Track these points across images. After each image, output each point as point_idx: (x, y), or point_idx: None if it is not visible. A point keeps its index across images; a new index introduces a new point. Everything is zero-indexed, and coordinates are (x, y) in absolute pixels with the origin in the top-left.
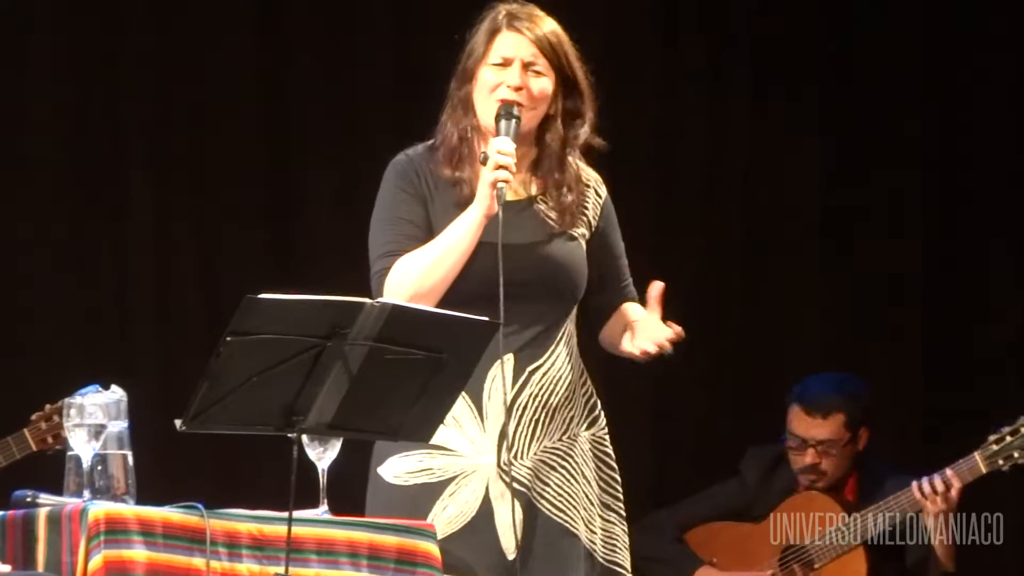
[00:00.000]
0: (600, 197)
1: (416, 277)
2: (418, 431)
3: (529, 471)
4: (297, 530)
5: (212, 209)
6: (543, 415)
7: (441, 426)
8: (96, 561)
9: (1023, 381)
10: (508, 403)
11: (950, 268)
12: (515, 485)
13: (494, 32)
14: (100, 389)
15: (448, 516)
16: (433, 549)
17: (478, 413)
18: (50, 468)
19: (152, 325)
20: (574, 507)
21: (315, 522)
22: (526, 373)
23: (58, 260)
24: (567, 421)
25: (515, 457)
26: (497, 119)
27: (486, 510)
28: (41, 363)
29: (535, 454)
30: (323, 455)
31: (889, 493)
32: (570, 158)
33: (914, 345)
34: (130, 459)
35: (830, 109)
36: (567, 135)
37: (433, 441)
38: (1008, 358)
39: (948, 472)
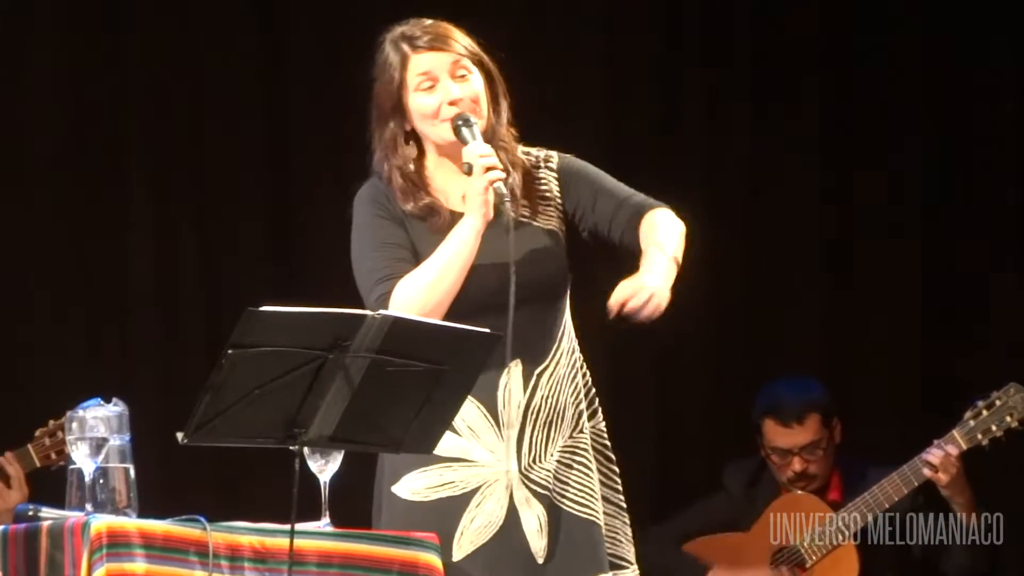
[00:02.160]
0: (553, 171)
1: (421, 296)
2: (420, 443)
3: (549, 473)
4: (299, 543)
5: (214, 221)
6: (555, 416)
7: (458, 438)
8: (98, 574)
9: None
10: (523, 409)
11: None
12: (537, 489)
13: (403, 61)
14: (102, 402)
15: (477, 527)
16: (435, 561)
17: (494, 422)
18: (52, 482)
19: (154, 338)
20: (595, 499)
21: (317, 535)
22: (534, 377)
23: (59, 273)
24: (576, 416)
25: (534, 461)
26: (457, 133)
27: (512, 517)
28: (43, 376)
29: (552, 455)
30: (325, 468)
31: (872, 484)
32: (504, 142)
33: (914, 340)
34: (132, 472)
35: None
36: (498, 119)
37: (452, 454)
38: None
39: (935, 451)
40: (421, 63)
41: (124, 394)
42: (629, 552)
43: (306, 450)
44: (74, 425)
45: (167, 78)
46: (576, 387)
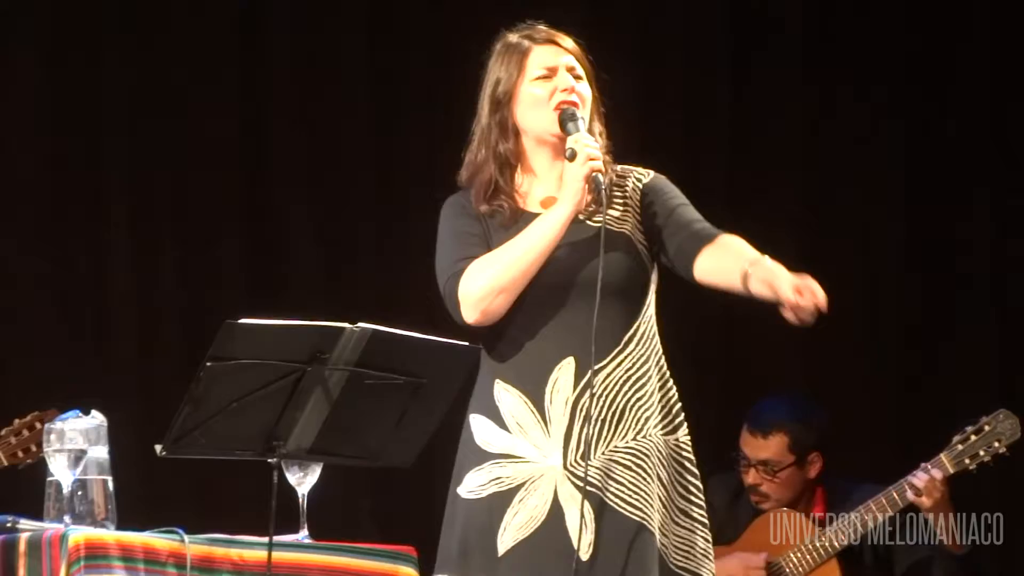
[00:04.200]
0: (640, 181)
1: (495, 272)
2: (399, 455)
3: (599, 471)
4: (277, 555)
5: (194, 235)
6: (609, 415)
7: (507, 434)
8: None
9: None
10: (570, 405)
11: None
12: (583, 485)
13: (524, 52)
14: (81, 415)
15: (519, 522)
16: (412, 573)
17: (541, 417)
18: (31, 493)
19: (133, 350)
20: (649, 504)
21: (295, 547)
22: (588, 374)
23: (39, 285)
24: (640, 421)
25: (582, 458)
26: (563, 124)
27: (556, 512)
28: (22, 389)
29: (604, 454)
30: (303, 480)
31: (856, 504)
32: None
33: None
34: (110, 484)
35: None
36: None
37: (501, 451)
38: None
39: (920, 474)
40: (540, 55)
41: (103, 406)
42: (704, 569)
43: (284, 462)
44: (53, 436)
45: (150, 86)
46: (644, 393)
